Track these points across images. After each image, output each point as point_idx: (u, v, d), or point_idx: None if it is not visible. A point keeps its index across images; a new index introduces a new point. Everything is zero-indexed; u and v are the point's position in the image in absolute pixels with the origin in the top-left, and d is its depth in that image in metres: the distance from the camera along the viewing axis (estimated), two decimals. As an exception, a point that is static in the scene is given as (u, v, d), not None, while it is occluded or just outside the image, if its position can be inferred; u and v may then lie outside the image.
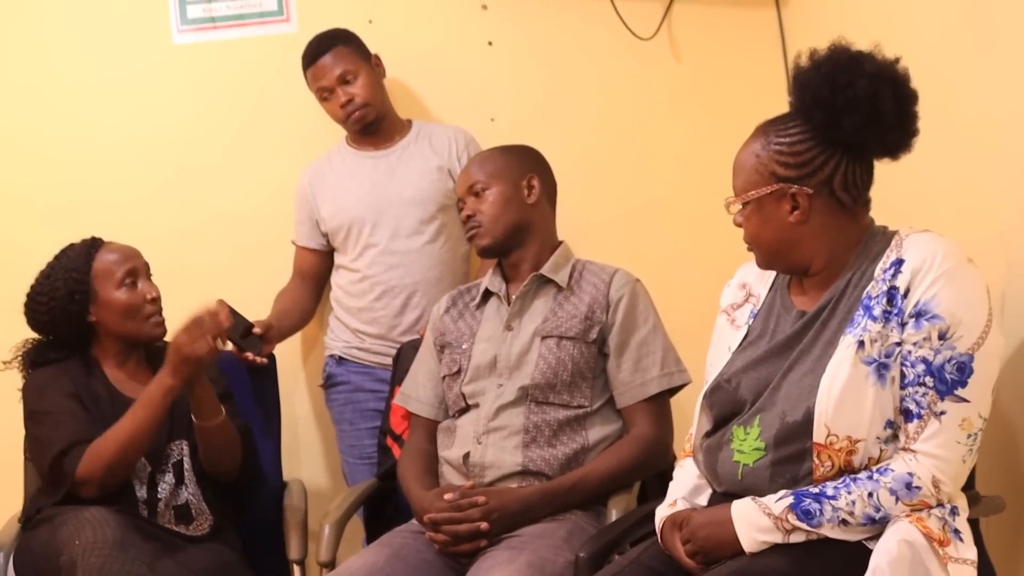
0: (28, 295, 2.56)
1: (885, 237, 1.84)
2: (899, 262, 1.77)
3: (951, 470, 1.71)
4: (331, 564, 2.42)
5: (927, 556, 1.66)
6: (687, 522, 1.86)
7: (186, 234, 3.26)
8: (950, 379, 1.71)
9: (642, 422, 2.36)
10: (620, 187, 3.24)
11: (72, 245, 2.59)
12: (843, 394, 1.73)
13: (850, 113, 1.77)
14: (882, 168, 1.87)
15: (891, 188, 1.97)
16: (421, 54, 3.25)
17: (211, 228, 3.28)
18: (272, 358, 2.91)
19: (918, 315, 1.73)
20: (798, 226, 1.84)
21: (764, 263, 1.93)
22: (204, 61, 3.28)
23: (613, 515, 2.25)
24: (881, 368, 1.74)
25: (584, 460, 2.33)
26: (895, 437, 1.75)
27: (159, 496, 2.47)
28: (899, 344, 1.74)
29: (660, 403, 2.39)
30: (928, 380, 1.71)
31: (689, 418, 2.02)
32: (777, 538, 1.74)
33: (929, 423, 1.71)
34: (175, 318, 2.44)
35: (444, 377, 2.50)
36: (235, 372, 2.77)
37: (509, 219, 2.45)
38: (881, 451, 1.74)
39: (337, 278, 3.10)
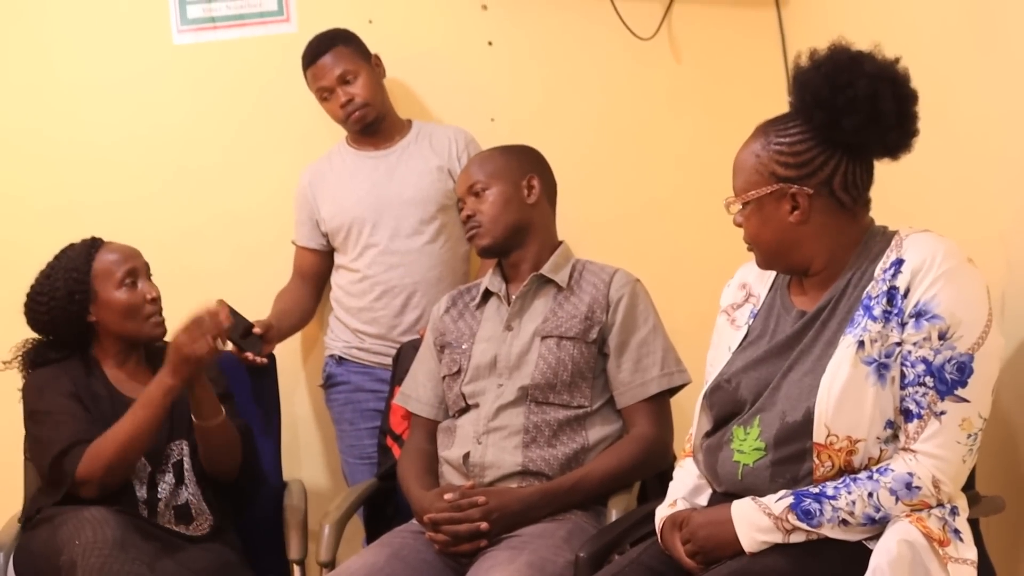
0: (28, 295, 2.56)
1: (885, 237, 1.84)
2: (899, 262, 1.77)
3: (951, 470, 1.71)
4: (331, 564, 2.42)
5: (927, 556, 1.66)
6: (687, 522, 1.86)
7: (186, 234, 3.26)
8: (950, 379, 1.71)
9: (642, 422, 2.36)
10: (620, 187, 3.24)
11: (72, 245, 2.59)
12: (843, 394, 1.73)
13: (850, 113, 1.77)
14: (882, 168, 1.87)
15: (891, 188, 1.97)
16: (421, 54, 3.25)
17: (211, 228, 3.28)
18: (272, 358, 2.91)
19: (918, 315, 1.73)
20: (798, 226, 1.84)
21: (764, 263, 1.93)
22: (204, 61, 3.28)
23: (613, 515, 2.25)
24: (881, 368, 1.74)
25: (584, 460, 2.33)
26: (895, 437, 1.75)
27: (159, 496, 2.47)
28: (899, 344, 1.74)
29: (660, 403, 2.39)
30: (928, 380, 1.71)
31: (689, 418, 2.02)
32: (777, 538, 1.74)
33: (929, 423, 1.71)
34: (175, 318, 2.44)
35: (444, 377, 2.50)
36: (235, 372, 2.77)
37: (509, 219, 2.45)
38: (881, 451, 1.74)
39: (337, 278, 3.10)
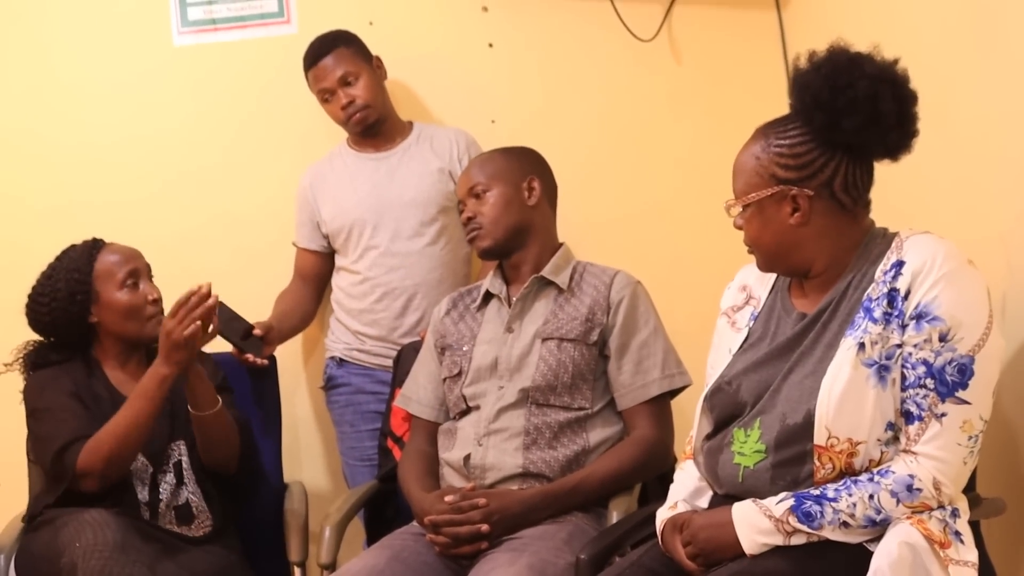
0: (29, 296, 2.57)
1: (885, 239, 1.84)
2: (899, 264, 1.77)
3: (952, 472, 1.71)
4: (332, 566, 2.42)
5: (928, 558, 1.66)
6: (688, 524, 1.86)
7: (187, 235, 3.26)
8: (951, 381, 1.71)
9: (643, 424, 2.36)
10: (621, 189, 3.24)
11: (73, 246, 2.60)
12: (844, 396, 1.73)
13: (850, 114, 1.77)
14: (882, 169, 1.87)
15: (891, 190, 1.97)
16: (421, 56, 3.25)
17: (212, 229, 3.28)
18: (273, 360, 2.91)
19: (919, 317, 1.73)
20: (799, 228, 1.84)
21: (765, 265, 1.93)
22: (205, 63, 3.29)
23: (614, 517, 2.25)
24: (882, 370, 1.74)
25: (585, 462, 2.33)
26: (896, 439, 1.74)
27: (160, 497, 2.47)
28: (900, 346, 1.74)
29: (661, 405, 2.39)
30: (929, 382, 1.71)
31: (690, 420, 2.02)
32: (778, 540, 1.74)
33: (930, 425, 1.71)
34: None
35: (445, 379, 2.50)
36: (236, 374, 2.77)
37: (510, 221, 2.45)
38: (882, 453, 1.74)
39: (338, 280, 3.10)
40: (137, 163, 3.29)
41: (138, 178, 3.29)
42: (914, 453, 1.72)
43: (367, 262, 3.01)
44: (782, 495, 1.75)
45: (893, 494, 1.70)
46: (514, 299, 2.46)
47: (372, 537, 2.66)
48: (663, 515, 1.95)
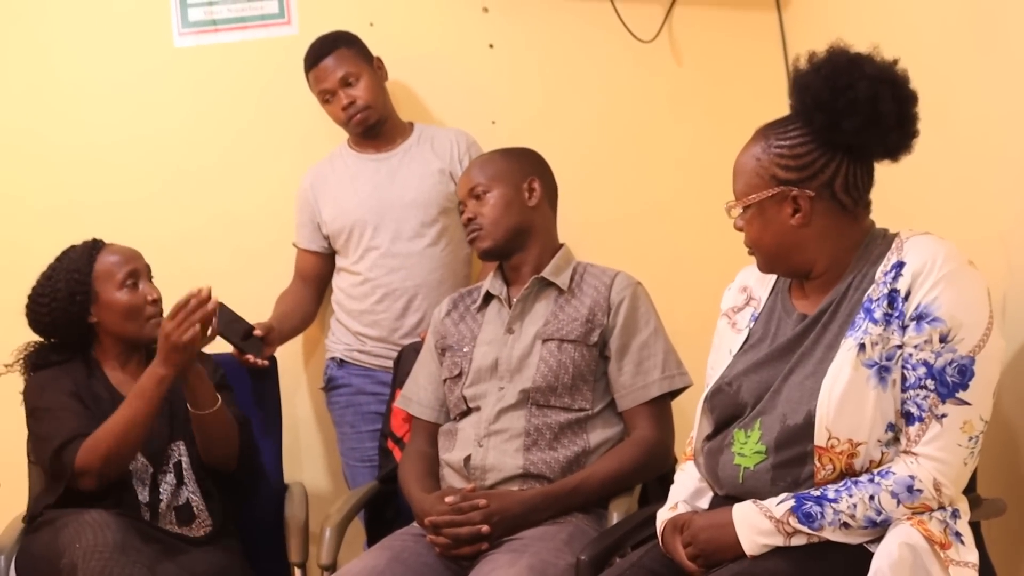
0: (29, 296, 2.57)
1: (886, 240, 1.84)
2: (900, 265, 1.77)
3: (952, 473, 1.71)
4: (332, 567, 2.42)
5: (928, 559, 1.66)
6: (688, 525, 1.86)
7: (187, 236, 3.26)
8: (951, 382, 1.71)
9: (643, 425, 2.36)
10: (621, 190, 3.24)
11: (73, 247, 2.60)
12: (844, 397, 1.73)
13: (850, 115, 1.77)
14: (882, 170, 1.87)
15: (891, 190, 1.97)
16: (422, 57, 3.25)
17: (212, 230, 3.28)
18: (273, 360, 2.91)
19: (919, 318, 1.73)
20: (800, 229, 1.84)
21: (765, 267, 1.93)
22: (205, 64, 3.29)
23: (614, 518, 2.25)
24: (882, 371, 1.74)
25: (585, 463, 2.33)
26: (896, 440, 1.74)
27: (161, 497, 2.47)
28: (900, 347, 1.74)
29: (661, 406, 2.39)
30: (929, 383, 1.71)
31: (690, 421, 2.02)
32: (778, 541, 1.73)
33: (930, 426, 1.71)
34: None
35: (445, 380, 2.50)
36: (236, 374, 2.77)
37: (510, 222, 2.45)
38: (882, 454, 1.74)
39: (338, 281, 3.10)
40: (137, 164, 3.29)
41: (138, 179, 3.29)
42: (914, 454, 1.72)
43: (368, 263, 3.01)
44: (782, 496, 1.75)
45: (893, 495, 1.70)
46: (514, 300, 2.46)
47: (372, 538, 2.66)
48: (663, 516, 1.95)
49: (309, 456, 3.28)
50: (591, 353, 2.38)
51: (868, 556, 1.68)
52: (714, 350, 2.04)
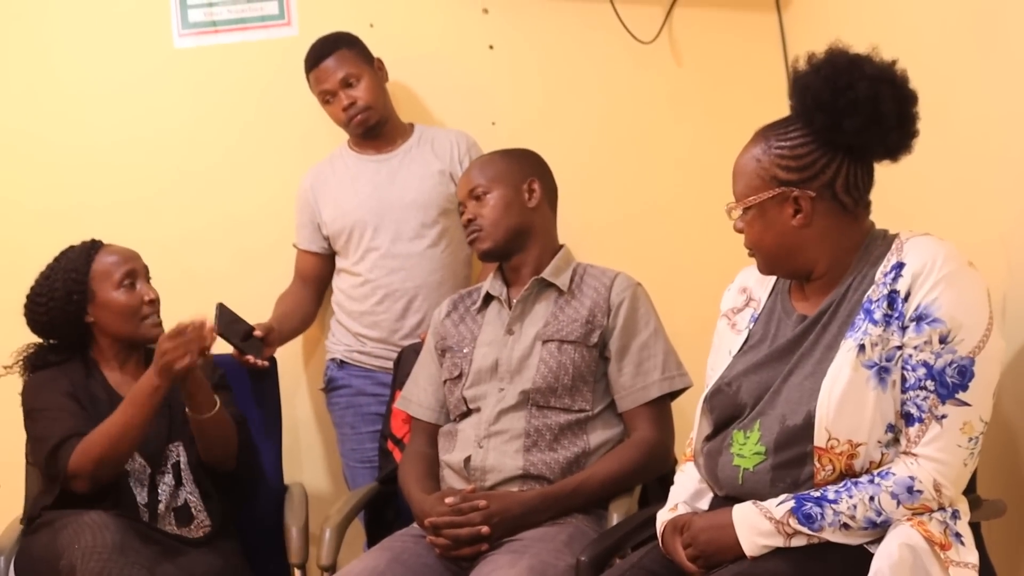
0: (28, 296, 2.57)
1: (886, 241, 1.84)
2: (899, 266, 1.77)
3: (952, 474, 1.71)
4: (332, 568, 2.42)
5: (928, 560, 1.66)
6: (688, 526, 1.86)
7: (187, 237, 3.26)
8: (951, 383, 1.71)
9: (643, 426, 2.36)
10: (621, 191, 3.24)
11: (72, 247, 2.61)
12: (844, 398, 1.73)
13: (851, 115, 1.77)
14: (882, 171, 1.87)
15: (891, 191, 1.97)
16: (422, 58, 3.25)
17: (212, 231, 3.28)
18: (273, 361, 2.91)
19: (919, 319, 1.73)
20: (801, 230, 1.84)
21: (766, 268, 1.93)
22: (205, 65, 3.29)
23: (614, 519, 2.25)
24: (882, 372, 1.74)
25: (585, 464, 2.33)
26: (896, 441, 1.74)
27: (159, 499, 2.48)
28: (900, 348, 1.74)
29: (661, 407, 2.39)
30: (929, 384, 1.71)
31: (690, 422, 2.02)
32: (778, 542, 1.73)
33: (930, 427, 1.71)
34: (176, 321, 2.44)
35: (445, 381, 2.50)
36: (236, 375, 2.78)
37: (510, 223, 2.45)
38: (882, 455, 1.74)
39: (339, 282, 3.10)
40: (138, 165, 3.29)
41: (139, 180, 3.29)
42: (914, 455, 1.72)
43: (368, 264, 3.01)
44: (782, 497, 1.75)
45: (893, 496, 1.70)
46: (514, 301, 2.46)
47: (372, 539, 2.66)
48: (663, 517, 1.95)
49: (309, 457, 3.28)
50: (591, 354, 2.38)
51: (868, 557, 1.68)
52: (714, 351, 2.04)
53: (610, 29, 3.16)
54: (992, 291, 1.77)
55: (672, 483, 2.04)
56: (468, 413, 2.42)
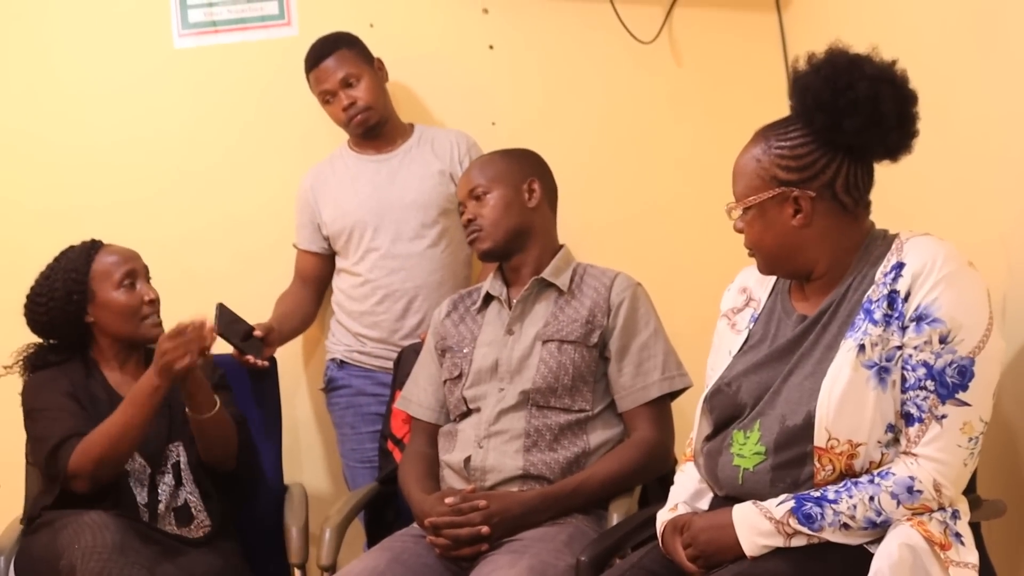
0: (28, 296, 2.57)
1: (886, 241, 1.84)
2: (899, 266, 1.77)
3: (952, 474, 1.71)
4: (332, 568, 2.42)
5: (928, 560, 1.66)
6: (688, 526, 1.86)
7: (187, 237, 3.26)
8: (951, 383, 1.71)
9: (643, 426, 2.36)
10: (621, 191, 3.24)
11: (72, 247, 2.61)
12: (844, 398, 1.73)
13: (851, 115, 1.77)
14: (882, 171, 1.87)
15: (891, 191, 1.97)
16: (422, 58, 3.25)
17: (212, 231, 3.28)
18: (273, 361, 2.91)
19: (919, 319, 1.73)
20: (801, 230, 1.84)
21: (766, 268, 1.93)
22: (205, 65, 3.29)
23: (614, 519, 2.25)
24: (882, 372, 1.74)
25: (585, 464, 2.33)
26: (896, 441, 1.74)
27: (159, 499, 2.47)
28: (900, 348, 1.74)
29: (661, 407, 2.39)
30: (929, 384, 1.71)
31: (690, 422, 2.02)
32: (778, 542, 1.73)
33: (930, 427, 1.71)
34: (176, 322, 2.44)
35: (445, 381, 2.50)
36: (236, 375, 2.78)
37: (510, 223, 2.45)
38: (882, 455, 1.74)
39: (339, 282, 3.10)
40: (138, 165, 3.29)
41: (139, 180, 3.29)
42: (914, 455, 1.72)
43: (368, 264, 3.01)
44: (782, 497, 1.75)
45: (893, 496, 1.70)
46: (514, 301, 2.46)
47: (372, 539, 2.66)
48: (663, 517, 1.95)
49: (309, 457, 3.28)
50: (591, 354, 2.38)
51: (868, 557, 1.68)
52: (713, 351, 2.04)
53: (610, 29, 3.16)
54: (992, 291, 1.77)
55: (672, 483, 2.04)
56: (468, 413, 2.42)
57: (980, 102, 2.06)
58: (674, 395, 2.41)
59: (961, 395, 1.70)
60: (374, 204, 3.01)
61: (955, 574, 1.67)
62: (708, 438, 1.93)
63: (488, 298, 2.52)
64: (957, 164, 2.15)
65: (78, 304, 2.52)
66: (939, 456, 1.70)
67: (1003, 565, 1.88)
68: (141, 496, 2.46)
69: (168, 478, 2.50)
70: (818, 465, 1.75)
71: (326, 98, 3.03)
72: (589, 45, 3.23)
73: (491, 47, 3.26)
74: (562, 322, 2.40)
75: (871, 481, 1.72)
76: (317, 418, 3.29)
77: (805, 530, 1.72)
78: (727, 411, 1.89)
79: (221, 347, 2.75)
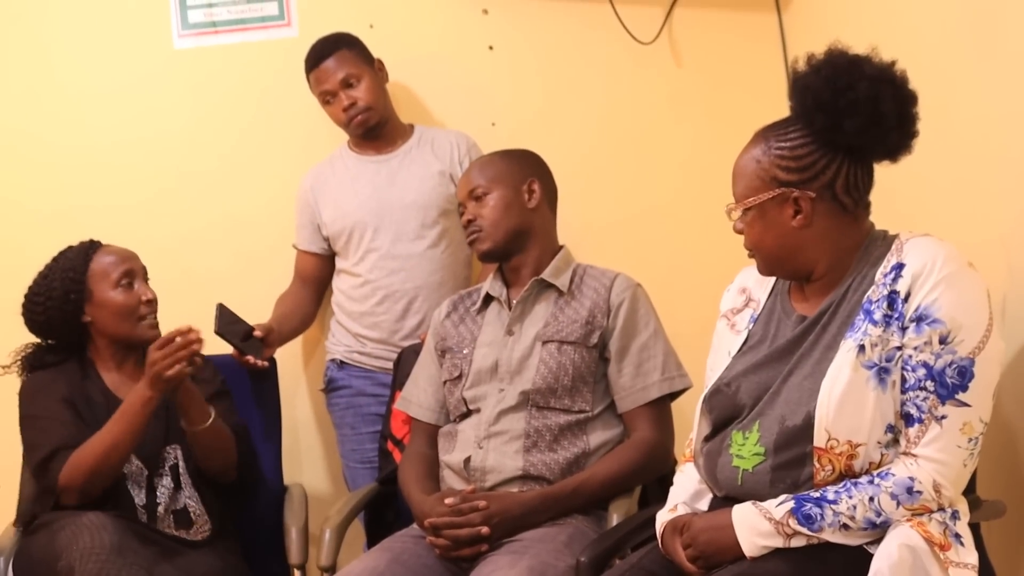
0: (26, 296, 2.57)
1: (886, 241, 1.84)
2: (899, 266, 1.77)
3: (952, 474, 1.71)
4: (332, 569, 2.42)
5: (928, 560, 1.66)
6: (688, 527, 1.86)
7: (187, 238, 3.26)
8: (951, 383, 1.71)
9: (643, 427, 2.36)
10: (621, 191, 3.24)
11: (71, 247, 2.60)
12: (844, 398, 1.73)
13: (851, 115, 1.77)
14: (882, 172, 1.87)
15: (891, 192, 1.97)
16: (422, 58, 3.25)
17: (212, 232, 3.28)
18: (273, 362, 2.91)
19: (919, 319, 1.73)
20: (801, 231, 1.84)
21: (766, 269, 1.93)
22: (205, 66, 3.29)
23: (614, 519, 2.25)
24: (882, 372, 1.74)
25: (585, 464, 2.33)
26: (896, 441, 1.74)
27: (158, 501, 2.47)
28: (900, 348, 1.74)
29: (661, 407, 2.39)
30: (929, 384, 1.71)
31: (690, 423, 2.02)
32: (778, 543, 1.73)
33: (930, 427, 1.71)
34: (175, 322, 2.44)
35: (445, 382, 2.50)
36: (236, 376, 2.77)
37: (510, 224, 2.45)
38: (882, 455, 1.74)
39: (339, 282, 3.11)
40: (138, 166, 3.29)
41: (139, 181, 3.29)
42: (914, 455, 1.72)
43: (368, 265, 3.01)
44: (782, 497, 1.75)
45: (893, 496, 1.70)
46: (514, 302, 2.46)
47: (372, 540, 2.66)
48: (663, 518, 1.95)
49: (309, 458, 3.28)
50: (591, 355, 2.38)
51: (868, 557, 1.68)
52: (713, 351, 2.04)
53: (610, 30, 3.16)
54: (992, 292, 1.77)
55: (671, 484, 2.04)
56: (468, 414, 2.42)
57: (980, 102, 2.06)
58: (674, 396, 2.41)
59: (961, 396, 1.70)
60: (374, 205, 3.01)
61: (955, 574, 1.67)
62: (707, 439, 1.93)
63: (488, 299, 2.52)
64: (957, 164, 2.15)
65: (75, 304, 2.52)
66: (939, 457, 1.70)
67: (1003, 566, 1.88)
68: (139, 498, 2.45)
69: (167, 480, 2.50)
70: (818, 466, 1.75)
71: (326, 99, 3.03)
72: (589, 46, 3.23)
73: (491, 48, 3.26)
74: (562, 323, 2.40)
75: (871, 482, 1.72)
76: (317, 419, 3.28)
77: (805, 531, 1.72)
78: (726, 411, 1.89)
79: (221, 348, 2.75)
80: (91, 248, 2.58)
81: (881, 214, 1.90)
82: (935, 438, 1.70)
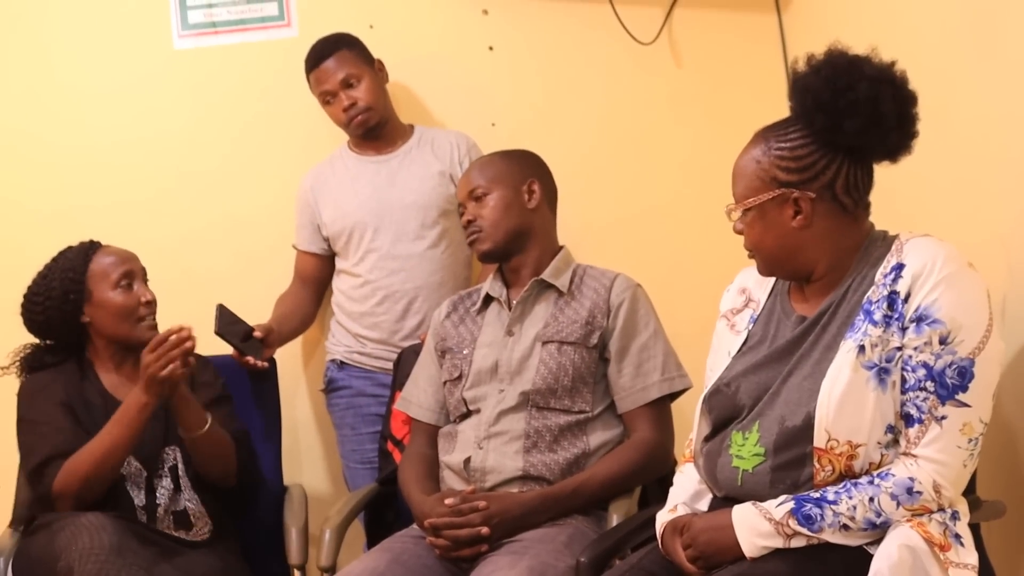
0: (25, 296, 2.57)
1: (885, 242, 1.84)
2: (899, 267, 1.77)
3: (952, 475, 1.71)
4: (332, 569, 2.42)
5: (928, 561, 1.66)
6: (688, 527, 1.85)
7: (187, 238, 3.26)
8: (951, 384, 1.71)
9: (643, 427, 2.36)
10: (621, 192, 3.24)
11: (70, 247, 2.60)
12: (844, 398, 1.73)
13: (851, 116, 1.77)
14: (882, 172, 1.87)
15: (891, 192, 1.97)
16: (422, 59, 3.25)
17: (212, 232, 3.28)
18: (273, 362, 2.91)
19: (919, 320, 1.73)
20: (801, 231, 1.84)
21: (766, 270, 1.93)
22: (205, 66, 3.29)
23: (614, 520, 2.25)
24: (882, 373, 1.73)
25: (585, 465, 2.33)
26: (896, 442, 1.74)
27: (158, 502, 2.46)
28: (900, 349, 1.74)
29: (661, 408, 2.39)
30: (929, 385, 1.71)
31: (690, 423, 2.02)
32: (778, 543, 1.73)
33: (930, 428, 1.71)
34: (175, 322, 2.43)
35: (445, 382, 2.49)
36: (236, 376, 2.77)
37: (510, 224, 2.45)
38: (882, 456, 1.74)
39: (339, 283, 3.10)
40: (138, 166, 3.29)
41: (139, 181, 3.29)
42: (914, 456, 1.72)
43: (368, 265, 3.01)
44: (782, 498, 1.75)
45: (893, 497, 1.70)
46: (514, 302, 2.46)
47: (372, 540, 2.66)
48: (663, 518, 1.95)
49: (309, 458, 3.28)
50: (591, 355, 2.38)
51: (868, 558, 1.68)
52: (713, 352, 2.04)
53: (610, 30, 3.16)
54: (992, 292, 1.77)
55: (672, 484, 2.04)
56: (468, 414, 2.42)
57: (980, 102, 2.06)
58: (674, 396, 2.41)
59: (961, 396, 1.70)
60: (374, 205, 3.01)
61: (955, 575, 1.67)
62: (707, 439, 1.93)
63: (488, 299, 2.52)
64: (957, 164, 2.15)
65: (75, 304, 2.51)
66: (939, 457, 1.70)
67: (1003, 566, 1.88)
68: (138, 498, 2.45)
69: (166, 482, 2.49)
70: (817, 466, 1.75)
71: (326, 99, 3.03)
72: (589, 46, 3.23)
73: (491, 48, 3.26)
74: (562, 323, 2.39)
75: (871, 482, 1.72)
76: (317, 419, 3.28)
77: (805, 531, 1.72)
78: (726, 412, 1.89)
79: (221, 348, 2.75)
80: (91, 248, 2.58)
81: (881, 214, 1.90)
82: (935, 438, 1.70)
